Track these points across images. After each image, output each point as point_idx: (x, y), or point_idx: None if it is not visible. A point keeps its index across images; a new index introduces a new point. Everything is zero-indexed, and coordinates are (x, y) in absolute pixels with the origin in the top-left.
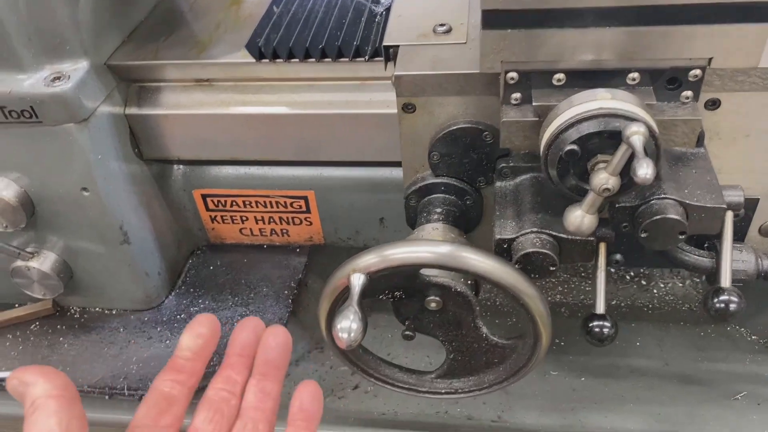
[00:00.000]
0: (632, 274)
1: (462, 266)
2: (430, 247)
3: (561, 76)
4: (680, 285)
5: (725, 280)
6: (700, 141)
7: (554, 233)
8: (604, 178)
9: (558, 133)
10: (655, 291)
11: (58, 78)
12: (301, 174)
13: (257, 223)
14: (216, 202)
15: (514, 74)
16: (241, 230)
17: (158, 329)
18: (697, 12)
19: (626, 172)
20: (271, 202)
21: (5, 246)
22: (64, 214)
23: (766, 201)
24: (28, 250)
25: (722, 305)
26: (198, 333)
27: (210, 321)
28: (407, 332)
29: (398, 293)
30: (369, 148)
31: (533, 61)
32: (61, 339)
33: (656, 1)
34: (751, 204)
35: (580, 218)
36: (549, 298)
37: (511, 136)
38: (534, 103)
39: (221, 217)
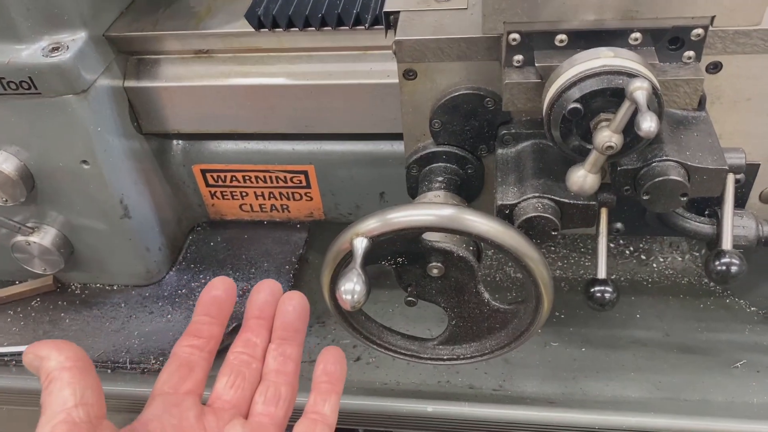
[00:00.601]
0: (632, 248)
1: (465, 228)
2: (433, 210)
3: (563, 36)
4: (679, 259)
5: (726, 243)
6: (701, 104)
7: (556, 198)
8: (607, 136)
9: (560, 93)
10: (654, 265)
11: (57, 48)
12: (301, 148)
13: (257, 199)
14: (216, 178)
15: (516, 35)
16: (241, 206)
17: (159, 304)
18: None
19: (629, 130)
20: (270, 177)
21: (5, 220)
22: (64, 188)
23: (766, 166)
24: (29, 224)
25: (723, 267)
26: (213, 296)
27: (225, 284)
28: (410, 298)
29: (401, 259)
30: (369, 120)
31: (535, 21)
32: (62, 315)
33: None
34: (751, 169)
35: (582, 177)
36: None
37: (513, 99)
38: (537, 64)
39: (221, 192)
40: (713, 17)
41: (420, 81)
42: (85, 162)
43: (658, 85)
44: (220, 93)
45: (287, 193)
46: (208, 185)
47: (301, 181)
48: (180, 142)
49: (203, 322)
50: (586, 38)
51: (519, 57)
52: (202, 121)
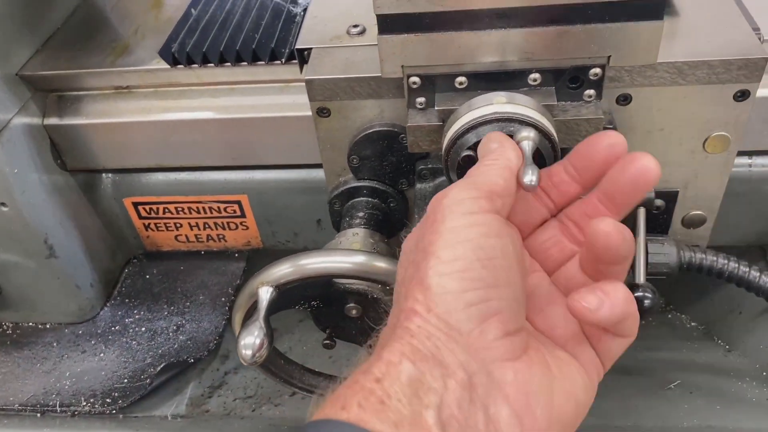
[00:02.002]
0: None
1: (373, 276)
2: (340, 257)
3: (462, 79)
4: None
5: (639, 277)
6: None
7: None
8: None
9: (455, 139)
10: None
11: None
12: (233, 177)
13: (192, 230)
14: (148, 210)
15: (416, 79)
16: (176, 237)
17: (92, 342)
18: (591, 11)
19: None
20: (204, 208)
21: None
22: None
23: (685, 193)
24: None
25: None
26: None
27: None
28: (326, 341)
29: (315, 303)
30: (299, 151)
31: (433, 65)
32: None
33: (549, 1)
34: (671, 196)
35: None
36: None
37: (417, 141)
38: (436, 108)
39: (155, 224)
40: (609, 57)
41: (334, 118)
42: (3, 204)
43: (551, 129)
44: (143, 128)
45: (222, 222)
46: (141, 217)
47: (235, 211)
48: (109, 175)
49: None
50: (486, 79)
51: (421, 99)
52: (128, 156)
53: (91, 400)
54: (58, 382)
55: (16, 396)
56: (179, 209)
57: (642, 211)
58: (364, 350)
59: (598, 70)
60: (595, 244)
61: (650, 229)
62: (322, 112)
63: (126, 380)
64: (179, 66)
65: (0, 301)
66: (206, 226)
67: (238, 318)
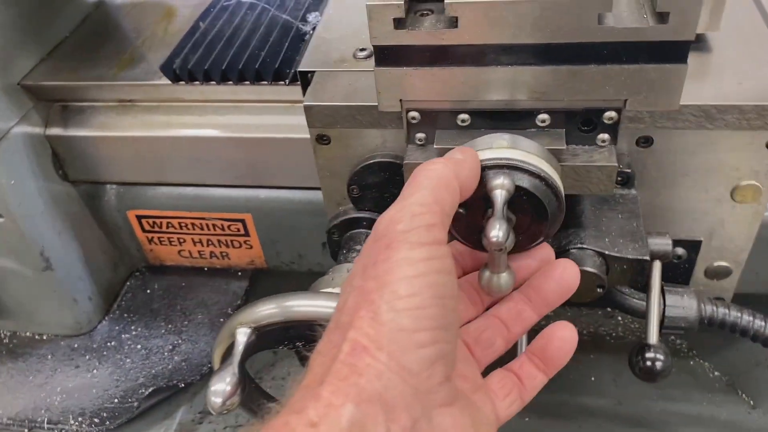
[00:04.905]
0: None
1: None
2: (322, 301)
3: (465, 116)
4: None
5: (652, 337)
6: (629, 182)
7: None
8: (495, 236)
9: None
10: (620, 317)
11: None
12: (238, 195)
13: (195, 246)
14: (152, 224)
15: (415, 114)
16: (179, 252)
17: (87, 357)
18: (606, 51)
19: (528, 220)
20: (207, 225)
21: None
22: None
23: (709, 242)
24: None
25: (648, 364)
26: None
27: None
28: None
29: (300, 343)
30: (305, 173)
31: (434, 100)
32: None
33: (562, 39)
34: (693, 246)
35: (488, 279)
36: None
37: None
38: (435, 146)
39: (158, 238)
40: (626, 101)
41: (335, 146)
42: None
43: (554, 177)
44: (147, 143)
45: (226, 240)
46: (144, 231)
47: (239, 230)
48: (113, 187)
49: None
50: (490, 118)
51: (421, 135)
52: (132, 170)
53: (80, 418)
54: (49, 398)
55: (6, 409)
56: (183, 224)
57: (657, 265)
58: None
59: (613, 114)
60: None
61: (670, 279)
62: (321, 140)
63: (116, 400)
64: (180, 82)
65: None
66: (210, 242)
67: (217, 354)
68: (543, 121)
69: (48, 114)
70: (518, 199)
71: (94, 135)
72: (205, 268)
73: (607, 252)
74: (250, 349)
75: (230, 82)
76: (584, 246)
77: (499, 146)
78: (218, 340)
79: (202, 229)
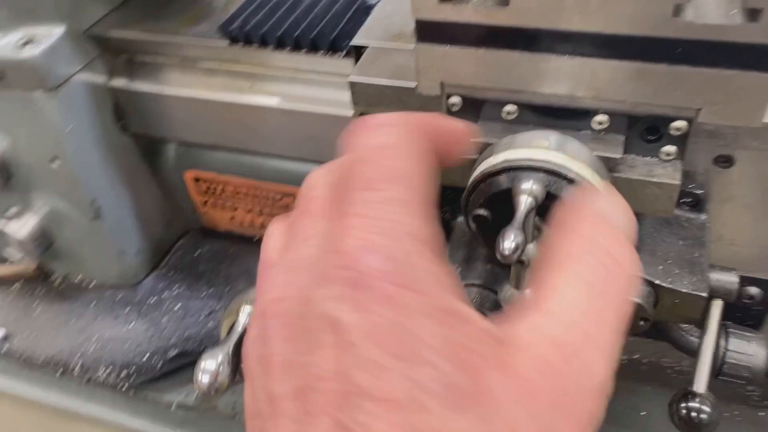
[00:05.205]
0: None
1: None
2: None
3: (512, 108)
4: None
5: (700, 385)
6: (700, 206)
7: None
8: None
9: (476, 183)
10: None
11: (30, 42)
12: (292, 168)
13: (247, 214)
14: (207, 187)
15: (456, 99)
16: (231, 218)
17: (127, 310)
18: (681, 49)
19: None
20: (260, 195)
21: None
22: (37, 183)
23: None
24: (11, 211)
25: (692, 414)
26: None
27: None
28: None
29: None
30: None
31: (478, 87)
32: (35, 303)
33: (629, 30)
34: None
35: (509, 295)
36: None
37: (448, 173)
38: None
39: (213, 202)
40: (698, 110)
41: None
42: (54, 160)
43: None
44: (206, 105)
45: (277, 212)
46: (200, 193)
47: (290, 205)
48: (173, 145)
49: None
50: (541, 113)
51: None
52: (191, 130)
53: (109, 369)
54: (85, 344)
55: (44, 349)
56: (237, 191)
57: (717, 305)
58: None
59: (682, 124)
60: None
61: (738, 321)
62: None
63: (146, 356)
64: (237, 44)
65: (53, 251)
66: (261, 212)
67: (224, 327)
68: (600, 123)
69: (113, 65)
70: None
71: (156, 91)
72: (255, 238)
73: (657, 281)
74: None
75: (286, 49)
76: None
77: (538, 146)
78: (227, 312)
79: (254, 198)
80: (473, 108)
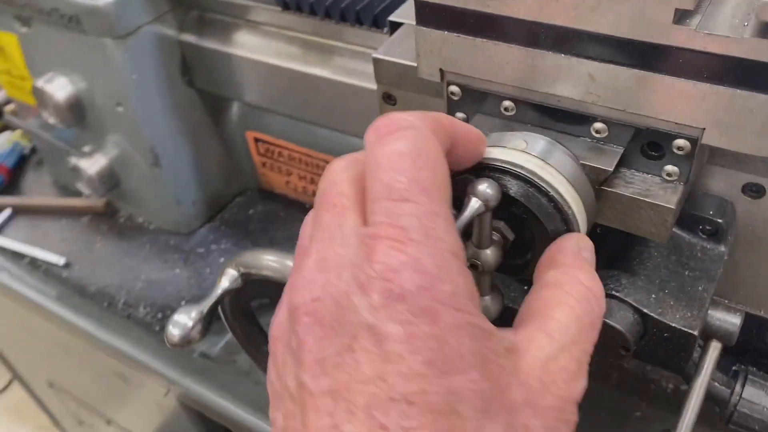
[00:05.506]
0: None
1: None
2: None
3: (509, 104)
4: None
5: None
6: (719, 236)
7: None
8: (470, 252)
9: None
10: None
11: None
12: (344, 141)
13: (300, 180)
14: (266, 149)
15: (455, 88)
16: (287, 183)
17: (176, 256)
18: (683, 60)
19: (524, 240)
20: (313, 162)
21: (56, 141)
22: (106, 125)
23: None
24: (86, 149)
25: None
26: None
27: None
28: None
29: None
30: None
31: (476, 77)
32: (99, 237)
33: (627, 33)
34: None
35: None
36: None
37: None
38: None
39: (270, 164)
40: (703, 130)
41: (400, 109)
42: (119, 105)
43: (568, 202)
44: (266, 69)
45: None
46: (259, 154)
47: None
48: (237, 104)
49: None
50: (538, 112)
51: (461, 114)
52: (253, 92)
53: (148, 308)
54: (133, 281)
55: (96, 280)
56: (292, 156)
57: (715, 347)
58: None
59: (683, 143)
60: None
61: (760, 366)
62: (388, 99)
63: (184, 303)
64: (289, 11)
65: (119, 191)
66: (313, 180)
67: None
68: (598, 131)
69: (184, 20)
70: (518, 216)
71: (223, 50)
72: (307, 205)
73: (646, 310)
74: (237, 294)
75: (332, 20)
76: (618, 294)
77: (514, 147)
78: (220, 272)
79: (307, 165)
80: (472, 99)
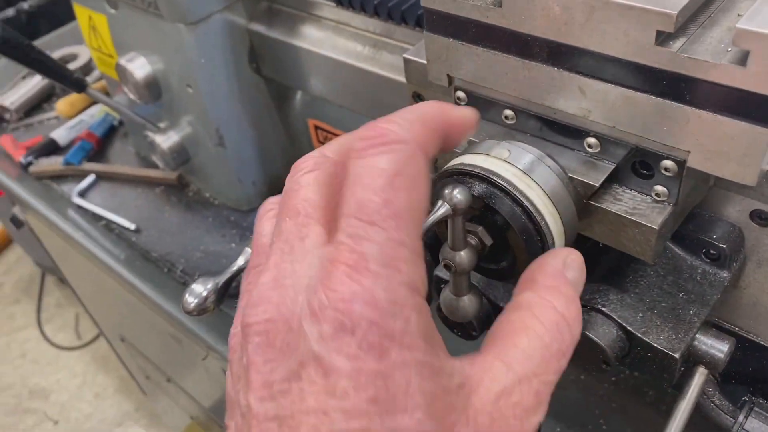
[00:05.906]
0: None
1: None
2: None
3: (510, 113)
4: None
5: None
6: (723, 261)
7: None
8: (446, 253)
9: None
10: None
11: None
12: None
13: None
14: (324, 137)
15: (461, 94)
16: None
17: (234, 231)
18: (666, 81)
19: (499, 244)
20: None
21: (135, 115)
22: (179, 104)
23: None
24: (162, 125)
25: None
26: None
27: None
28: None
29: None
30: None
31: (479, 85)
32: (168, 207)
33: (612, 51)
34: None
35: (448, 300)
36: None
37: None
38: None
39: None
40: (689, 152)
41: None
42: (189, 86)
43: (542, 214)
44: (324, 62)
45: None
46: (319, 141)
47: None
48: (301, 93)
49: None
50: (537, 123)
51: None
52: (316, 84)
53: (202, 278)
54: (192, 251)
55: (161, 246)
56: None
57: (701, 373)
58: None
59: (670, 164)
60: None
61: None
62: (417, 98)
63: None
64: (341, 7)
65: (190, 166)
66: None
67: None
68: (590, 146)
69: (254, 10)
70: (497, 224)
71: (290, 42)
72: None
73: (630, 328)
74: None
75: (379, 18)
76: (604, 309)
77: (497, 156)
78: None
79: None
80: (477, 106)
